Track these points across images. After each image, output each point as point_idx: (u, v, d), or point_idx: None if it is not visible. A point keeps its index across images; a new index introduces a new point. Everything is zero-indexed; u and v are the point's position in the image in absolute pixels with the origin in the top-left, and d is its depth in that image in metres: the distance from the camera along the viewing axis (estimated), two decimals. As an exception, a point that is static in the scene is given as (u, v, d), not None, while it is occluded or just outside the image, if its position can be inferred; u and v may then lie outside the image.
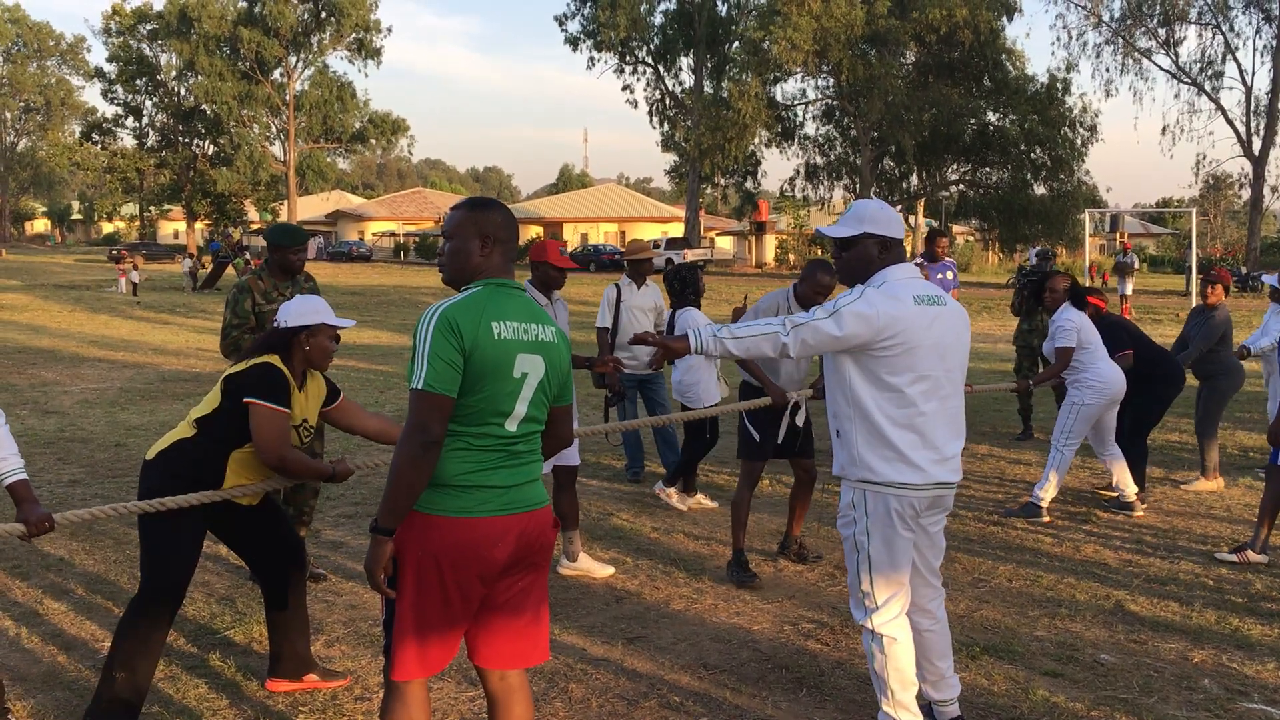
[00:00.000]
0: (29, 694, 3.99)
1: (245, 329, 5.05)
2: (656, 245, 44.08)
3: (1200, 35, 40.83)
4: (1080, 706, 3.97)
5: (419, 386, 2.62)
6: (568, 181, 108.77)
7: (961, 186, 43.66)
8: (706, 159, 42.13)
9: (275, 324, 3.81)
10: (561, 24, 49.91)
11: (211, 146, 63.56)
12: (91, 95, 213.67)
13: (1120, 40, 41.14)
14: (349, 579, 5.40)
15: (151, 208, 69.34)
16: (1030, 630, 4.76)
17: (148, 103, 64.54)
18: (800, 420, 5.63)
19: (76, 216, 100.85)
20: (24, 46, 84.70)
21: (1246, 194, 42.28)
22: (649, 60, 49.82)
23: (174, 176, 62.89)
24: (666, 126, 50.38)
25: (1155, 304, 27.42)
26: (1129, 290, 24.46)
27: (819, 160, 45.08)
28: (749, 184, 49.73)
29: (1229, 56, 39.84)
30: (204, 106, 60.33)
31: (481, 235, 2.80)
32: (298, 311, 3.76)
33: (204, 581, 5.28)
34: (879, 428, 3.32)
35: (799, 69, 40.20)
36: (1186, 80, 40.92)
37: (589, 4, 48.79)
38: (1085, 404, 6.70)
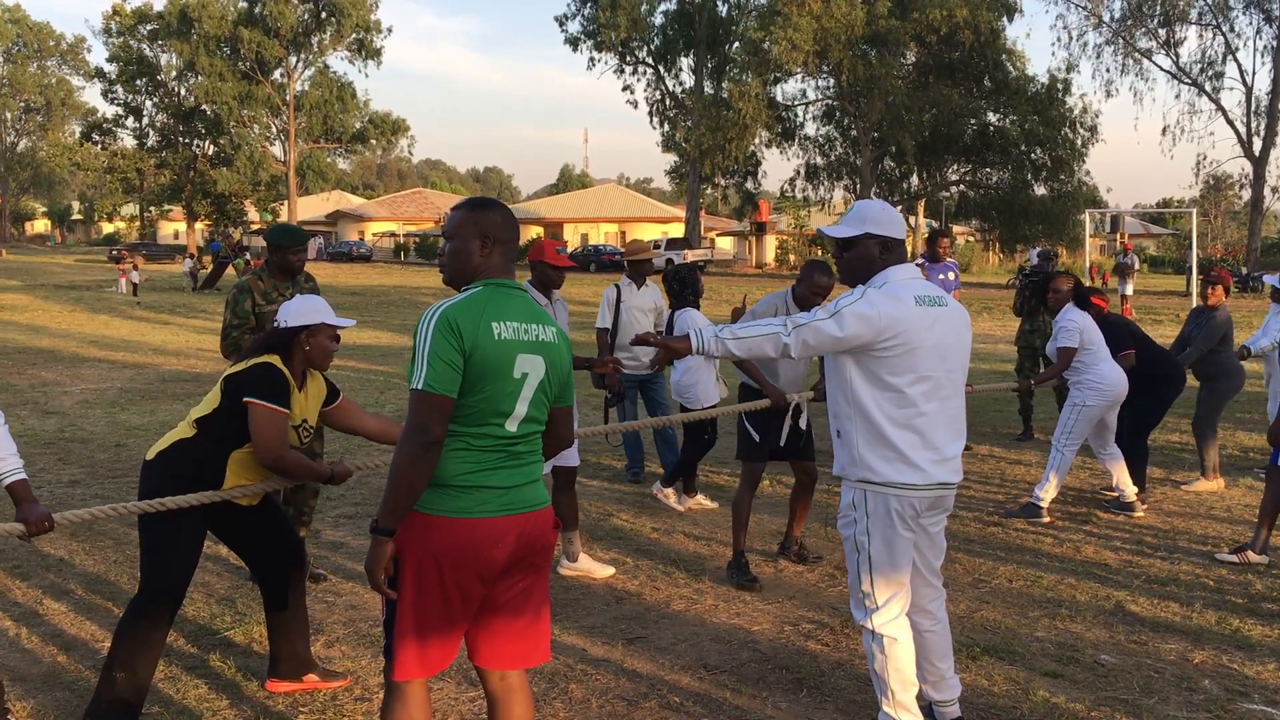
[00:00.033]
0: (29, 694, 3.99)
1: (245, 329, 5.05)
2: (657, 246, 44.05)
3: (1200, 36, 40.93)
4: (1080, 707, 3.97)
5: (419, 387, 2.62)
6: (568, 182, 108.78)
7: (962, 187, 43.64)
8: (707, 159, 42.13)
9: (275, 324, 3.81)
10: (562, 24, 49.93)
11: (211, 147, 63.56)
12: (92, 95, 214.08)
13: (1120, 41, 41.16)
14: (349, 579, 5.40)
15: (151, 208, 69.37)
16: (1031, 631, 4.76)
17: (148, 103, 64.56)
18: (803, 423, 5.63)
19: (77, 217, 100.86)
20: (24, 47, 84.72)
21: (1247, 194, 42.31)
22: (649, 60, 49.79)
23: (174, 177, 62.87)
24: (667, 127, 50.37)
25: (1155, 304, 27.41)
26: (1129, 291, 24.48)
27: (819, 161, 45.09)
28: (749, 184, 49.73)
29: (1229, 57, 39.91)
30: (204, 107, 60.31)
31: (482, 235, 2.80)
32: (298, 311, 3.76)
33: (204, 581, 5.28)
34: (879, 428, 3.32)
35: (799, 69, 40.20)
36: (1187, 81, 40.94)
37: (589, 4, 48.77)
38: (1087, 405, 6.70)
